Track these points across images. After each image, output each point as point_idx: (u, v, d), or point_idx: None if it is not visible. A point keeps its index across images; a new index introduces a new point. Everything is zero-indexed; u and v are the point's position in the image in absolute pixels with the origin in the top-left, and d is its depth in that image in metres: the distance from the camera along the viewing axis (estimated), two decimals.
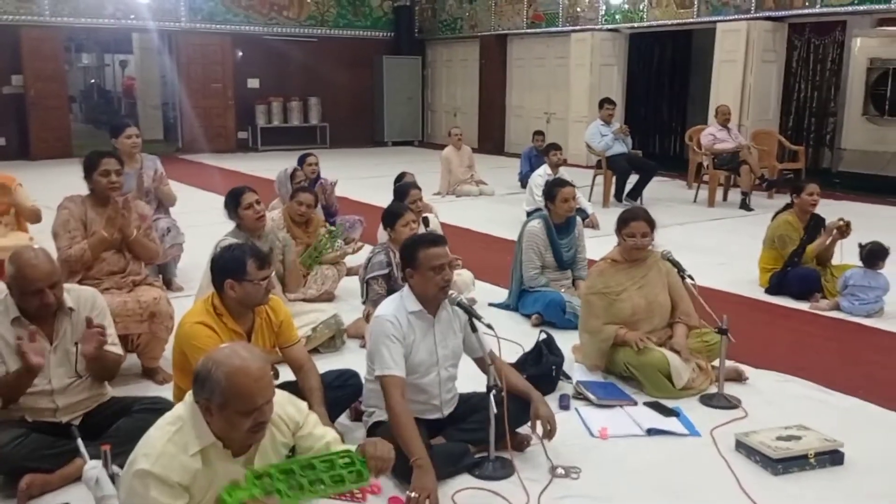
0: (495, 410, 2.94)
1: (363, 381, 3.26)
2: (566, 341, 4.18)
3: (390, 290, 4.22)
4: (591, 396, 3.71)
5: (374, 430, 3.05)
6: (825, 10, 10.41)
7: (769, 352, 4.42)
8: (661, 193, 9.83)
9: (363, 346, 4.26)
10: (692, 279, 3.92)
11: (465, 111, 16.39)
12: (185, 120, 15.06)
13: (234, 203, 4.37)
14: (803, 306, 5.31)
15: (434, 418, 3.15)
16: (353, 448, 2.43)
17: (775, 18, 10.94)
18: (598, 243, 5.69)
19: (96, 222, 4.00)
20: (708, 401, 3.73)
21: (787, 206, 5.64)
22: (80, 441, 2.80)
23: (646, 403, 3.70)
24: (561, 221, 5.03)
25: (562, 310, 4.76)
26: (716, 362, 3.85)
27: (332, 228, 5.77)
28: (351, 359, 4.16)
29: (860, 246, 5.19)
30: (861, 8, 10.08)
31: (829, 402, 3.80)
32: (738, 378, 3.96)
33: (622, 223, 3.94)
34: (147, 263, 4.30)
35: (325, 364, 3.66)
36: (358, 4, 16.50)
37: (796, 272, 5.42)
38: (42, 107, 13.33)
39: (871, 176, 10.33)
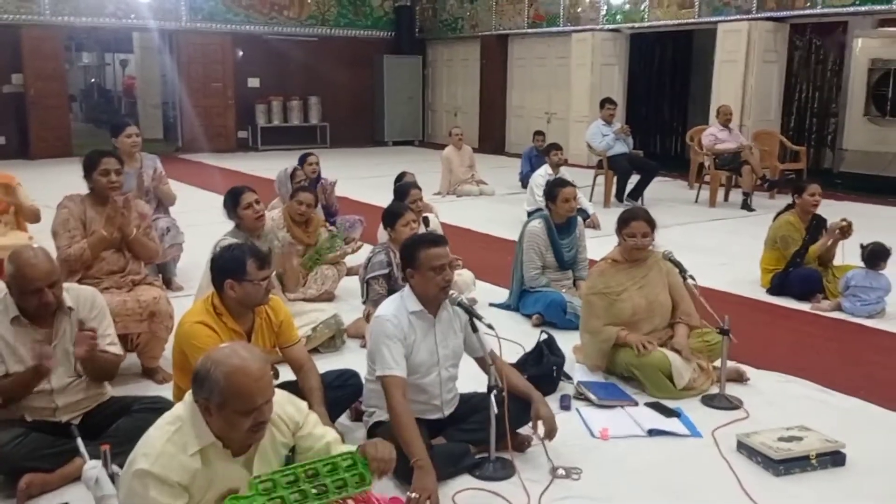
0: (496, 411, 2.93)
1: (363, 381, 3.25)
2: (567, 342, 4.18)
3: (391, 290, 4.22)
4: (592, 397, 3.71)
5: (374, 430, 3.05)
6: (826, 10, 10.40)
7: (770, 352, 4.42)
8: (663, 194, 9.82)
9: (363, 346, 4.26)
10: (693, 279, 3.91)
11: (465, 111, 16.38)
12: (185, 119, 15.05)
13: (233, 203, 4.36)
14: (804, 307, 5.30)
15: (435, 418, 3.14)
16: (354, 449, 2.42)
17: (776, 19, 10.93)
18: (599, 243, 5.68)
19: (96, 221, 3.99)
20: (709, 401, 3.72)
21: (789, 207, 5.63)
22: (79, 440, 2.80)
23: (647, 404, 3.69)
24: (562, 221, 5.02)
25: (563, 310, 4.75)
26: (717, 363, 3.84)
27: (333, 230, 5.76)
28: (351, 359, 4.16)
29: (862, 247, 5.18)
30: (862, 9, 10.07)
31: (831, 403, 3.79)
32: (740, 379, 3.96)
33: (622, 223, 3.93)
34: (146, 263, 4.29)
35: (326, 364, 3.65)
36: (359, 4, 16.49)
37: (798, 273, 5.41)
38: (42, 106, 13.32)
39: (872, 176, 10.32)
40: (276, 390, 2.30)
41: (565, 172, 7.65)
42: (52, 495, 2.83)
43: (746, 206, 9.02)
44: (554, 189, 5.03)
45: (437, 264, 2.99)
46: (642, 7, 12.48)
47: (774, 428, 3.30)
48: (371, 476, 2.37)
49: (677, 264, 3.98)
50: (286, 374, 3.39)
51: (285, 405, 2.42)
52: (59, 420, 2.98)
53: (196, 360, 2.24)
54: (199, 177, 11.31)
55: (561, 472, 3.04)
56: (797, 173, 9.91)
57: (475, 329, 3.07)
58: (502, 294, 5.38)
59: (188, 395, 2.22)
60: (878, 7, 9.93)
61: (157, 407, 2.90)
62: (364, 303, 4.70)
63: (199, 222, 6.49)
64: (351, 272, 5.64)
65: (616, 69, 13.22)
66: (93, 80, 26.26)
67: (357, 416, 3.42)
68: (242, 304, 3.04)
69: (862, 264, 5.17)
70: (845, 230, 5.29)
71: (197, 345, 2.88)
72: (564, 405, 3.65)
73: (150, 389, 3.79)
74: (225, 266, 3.03)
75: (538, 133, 10.73)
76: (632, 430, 3.43)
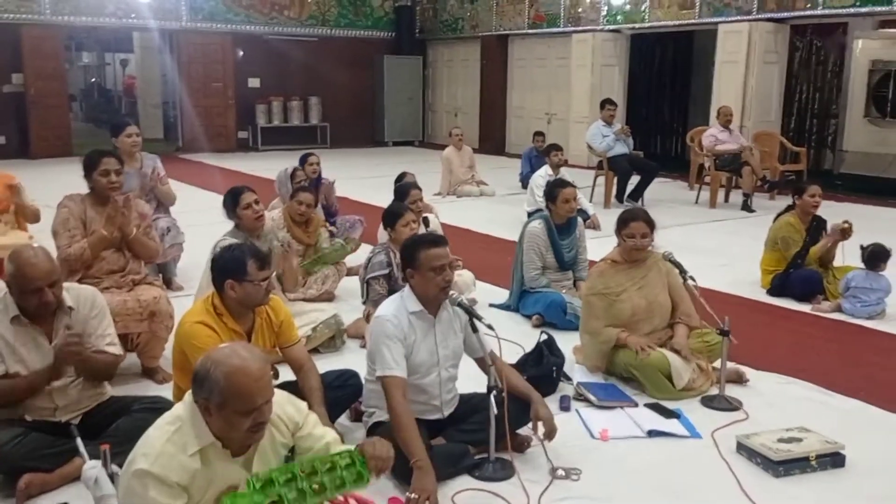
0: (496, 411, 2.93)
1: (363, 381, 3.25)
2: (567, 342, 4.18)
3: (391, 291, 4.22)
4: (592, 398, 3.70)
5: (373, 430, 3.05)
6: (827, 11, 10.40)
7: (770, 353, 4.41)
8: (663, 194, 9.82)
9: (363, 347, 4.26)
10: (693, 280, 3.91)
11: (465, 111, 16.38)
12: (185, 119, 15.05)
13: (232, 203, 4.36)
14: (805, 308, 5.30)
15: (434, 419, 3.14)
16: (353, 448, 2.42)
17: (777, 20, 10.93)
18: (599, 244, 5.68)
19: (96, 221, 3.99)
20: (709, 402, 3.72)
21: (789, 208, 5.63)
22: (79, 440, 2.80)
23: (646, 405, 3.69)
24: (562, 222, 5.02)
25: (563, 311, 4.75)
26: (717, 363, 3.84)
27: (334, 230, 5.75)
28: (351, 359, 4.16)
29: (862, 248, 5.18)
30: (863, 10, 10.07)
31: (831, 404, 3.79)
32: (739, 380, 3.95)
33: (622, 224, 3.93)
34: (147, 262, 4.29)
35: (325, 364, 3.65)
36: (359, 4, 16.50)
37: (798, 274, 5.41)
38: (42, 105, 13.32)
39: (872, 178, 10.33)
40: (276, 390, 2.30)
41: (565, 173, 7.64)
42: (51, 495, 2.83)
43: (746, 207, 9.02)
44: (554, 189, 5.03)
45: (438, 265, 2.99)
46: (643, 8, 12.48)
47: (774, 429, 3.30)
48: (369, 474, 2.37)
49: (677, 265, 3.98)
50: (286, 374, 3.39)
51: (285, 405, 2.42)
52: (58, 420, 2.98)
53: (196, 360, 2.24)
54: (200, 177, 11.31)
55: (560, 472, 3.04)
56: (797, 174, 9.90)
57: (475, 329, 3.07)
58: (502, 294, 5.38)
59: (188, 395, 2.22)
60: (878, 8, 9.93)
61: (157, 407, 2.90)
62: (364, 303, 4.70)
63: (199, 222, 6.48)
64: (351, 272, 5.64)
65: (616, 70, 13.22)
66: (93, 79, 26.27)
67: (357, 417, 3.42)
68: (243, 305, 3.04)
69: (862, 265, 5.17)
70: (846, 232, 5.29)
71: (197, 345, 2.87)
72: (564, 406, 3.65)
73: (149, 389, 3.79)
74: (225, 266, 3.03)
75: (538, 133, 10.74)
76: (631, 431, 3.42)
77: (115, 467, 2.46)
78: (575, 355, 4.15)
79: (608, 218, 6.49)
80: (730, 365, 3.86)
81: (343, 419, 3.44)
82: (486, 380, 2.98)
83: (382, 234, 4.93)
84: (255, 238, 4.23)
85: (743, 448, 3.22)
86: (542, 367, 3.82)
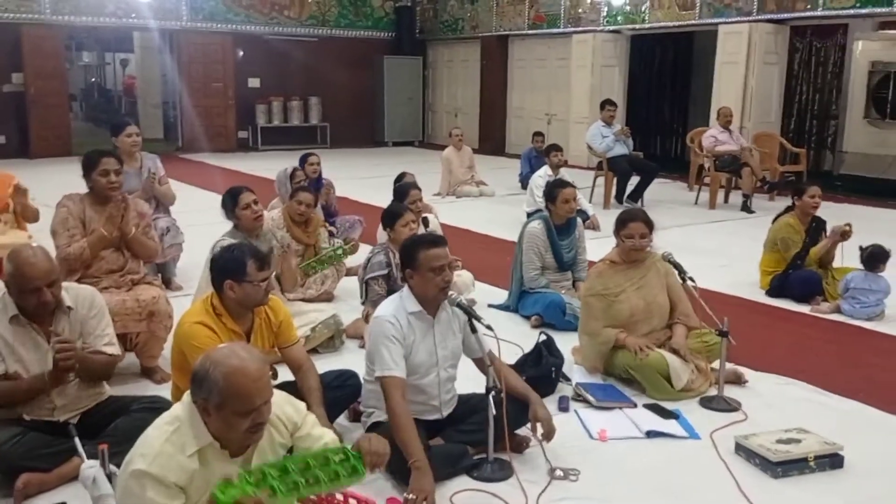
0: (494, 412, 2.93)
1: (362, 381, 3.25)
2: (566, 343, 4.18)
3: (390, 291, 4.22)
4: (591, 398, 3.70)
5: (372, 430, 3.03)
6: (827, 12, 10.39)
7: (769, 354, 4.41)
8: (663, 195, 9.82)
9: (362, 347, 4.25)
10: (693, 281, 3.91)
11: (465, 112, 16.38)
12: (185, 119, 15.05)
13: (231, 203, 4.36)
14: (804, 309, 5.30)
15: (433, 419, 3.14)
16: (348, 447, 2.42)
17: (777, 21, 10.93)
18: (599, 245, 5.68)
19: (95, 221, 3.98)
20: (707, 403, 3.72)
21: (789, 209, 5.63)
22: (77, 440, 2.80)
23: (645, 406, 3.69)
24: (561, 222, 5.02)
25: (562, 311, 4.75)
26: (715, 364, 3.84)
27: (333, 230, 5.74)
28: (350, 359, 4.16)
29: (861, 249, 5.18)
30: (863, 11, 10.06)
31: (829, 405, 3.79)
32: (738, 381, 3.95)
33: (620, 224, 3.94)
34: (146, 262, 4.29)
35: (324, 364, 3.65)
36: (359, 4, 16.50)
37: (798, 275, 5.41)
38: (42, 105, 13.31)
39: (872, 179, 10.33)
40: (275, 391, 2.30)
41: (565, 173, 7.64)
42: (49, 495, 2.83)
43: (746, 207, 9.02)
44: (554, 190, 5.03)
45: (437, 265, 2.99)
46: (643, 8, 12.49)
47: (773, 430, 3.30)
48: (364, 468, 2.36)
49: (677, 266, 3.98)
50: (285, 374, 3.39)
51: (284, 406, 2.41)
52: (57, 419, 2.98)
53: (195, 361, 2.24)
54: (200, 177, 11.31)
55: (559, 473, 3.03)
56: (797, 175, 9.90)
57: (474, 330, 3.07)
58: (501, 295, 5.38)
59: (186, 396, 2.21)
60: (878, 9, 9.93)
61: (156, 407, 2.90)
62: (363, 303, 4.70)
63: (198, 222, 6.48)
64: (350, 272, 5.64)
65: (616, 70, 13.22)
66: (93, 79, 26.30)
67: (355, 417, 3.42)
68: (242, 305, 3.04)
69: (861, 266, 5.17)
70: (846, 234, 5.29)
71: (196, 345, 2.87)
72: (563, 406, 3.65)
73: (148, 389, 3.79)
74: (225, 266, 3.03)
75: (537, 134, 10.74)
76: (630, 432, 3.43)
77: (112, 467, 2.45)
78: (574, 356, 4.15)
79: (608, 219, 6.47)
80: (728, 366, 3.86)
81: (342, 419, 3.44)
82: (485, 380, 2.98)
83: (382, 235, 4.93)
84: (253, 238, 4.23)
85: (741, 449, 3.22)
86: (541, 367, 3.82)
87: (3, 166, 7.32)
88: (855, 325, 5.01)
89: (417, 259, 3.00)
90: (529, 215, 6.36)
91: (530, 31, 14.57)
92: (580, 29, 13.39)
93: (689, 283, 3.91)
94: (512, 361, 3.83)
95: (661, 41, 14.74)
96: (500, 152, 15.21)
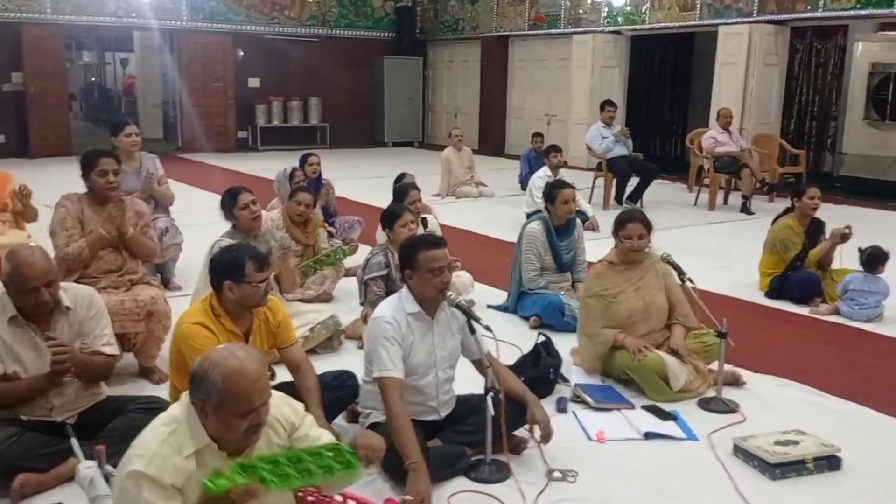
0: (492, 413, 2.93)
1: (360, 382, 3.25)
2: (564, 344, 4.18)
3: (389, 291, 4.21)
4: (589, 399, 3.70)
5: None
6: (827, 14, 10.39)
7: (768, 356, 4.41)
8: (662, 196, 9.82)
9: (361, 348, 4.25)
10: (692, 282, 3.91)
11: (465, 112, 16.38)
12: (185, 119, 15.05)
13: (230, 203, 4.36)
14: (803, 310, 5.29)
15: (431, 420, 3.14)
16: (343, 445, 2.41)
17: (777, 22, 10.93)
18: (598, 245, 5.68)
19: (93, 220, 3.98)
20: (706, 405, 3.72)
21: (788, 210, 5.63)
22: (74, 440, 2.80)
23: (644, 407, 3.69)
24: (561, 223, 5.02)
25: (560, 312, 4.75)
26: (714, 365, 3.84)
27: (332, 230, 5.74)
28: (348, 360, 4.15)
29: (860, 250, 5.18)
30: (863, 12, 10.07)
31: (828, 407, 3.79)
32: (736, 382, 3.95)
33: (619, 225, 3.94)
34: (144, 262, 4.29)
35: (323, 365, 3.65)
36: (359, 5, 16.50)
37: (797, 276, 5.41)
38: (42, 104, 13.31)
39: (871, 180, 10.34)
40: (273, 392, 2.29)
41: (565, 174, 7.64)
42: (46, 495, 2.82)
43: (746, 209, 9.02)
44: (553, 191, 5.03)
45: (436, 266, 2.99)
46: (643, 9, 12.49)
47: (771, 432, 3.30)
48: (359, 463, 2.35)
49: (676, 267, 3.97)
50: (283, 374, 3.39)
51: (282, 406, 2.41)
52: (54, 419, 2.97)
53: (193, 361, 2.23)
54: (199, 177, 11.31)
55: (557, 474, 3.03)
56: (797, 177, 9.90)
57: (473, 331, 3.07)
58: (500, 296, 5.38)
59: (184, 396, 2.21)
60: (878, 11, 9.93)
61: (153, 407, 2.90)
62: (362, 304, 4.69)
63: (198, 222, 6.46)
64: (349, 273, 5.64)
65: (616, 71, 13.23)
66: (93, 78, 26.27)
67: (353, 418, 3.42)
68: (241, 306, 3.04)
69: (860, 268, 5.16)
70: (846, 236, 5.28)
71: (194, 346, 2.87)
72: (561, 408, 3.64)
73: (146, 389, 3.78)
74: (224, 267, 3.03)
75: (537, 135, 10.74)
76: (628, 433, 3.42)
77: (109, 468, 2.45)
78: (572, 357, 4.15)
79: (607, 219, 6.47)
80: (727, 367, 3.86)
81: (340, 420, 3.43)
82: (483, 381, 2.98)
83: (381, 235, 4.93)
84: (252, 238, 4.23)
85: (739, 450, 3.22)
86: (540, 368, 3.82)
87: (3, 166, 7.30)
88: (854, 326, 5.01)
89: (416, 260, 3.00)
90: (529, 216, 6.36)
91: (530, 32, 14.58)
92: (580, 29, 13.39)
93: (687, 284, 3.91)
94: (510, 362, 3.82)
95: (662, 42, 14.74)
96: (500, 153, 15.22)
